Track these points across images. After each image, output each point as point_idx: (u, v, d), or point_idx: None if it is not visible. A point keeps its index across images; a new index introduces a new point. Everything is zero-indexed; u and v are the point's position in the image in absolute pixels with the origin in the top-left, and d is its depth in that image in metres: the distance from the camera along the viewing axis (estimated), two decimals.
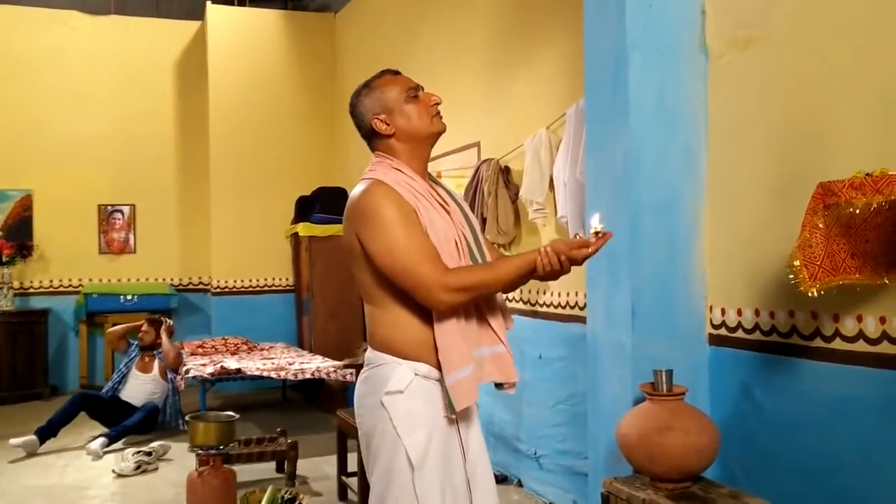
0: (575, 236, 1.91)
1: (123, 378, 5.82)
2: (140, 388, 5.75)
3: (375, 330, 1.98)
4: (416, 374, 1.90)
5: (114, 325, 6.53)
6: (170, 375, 5.79)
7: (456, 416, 1.94)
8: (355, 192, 1.98)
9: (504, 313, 2.12)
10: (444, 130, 2.06)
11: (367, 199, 1.91)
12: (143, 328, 5.96)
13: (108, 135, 7.86)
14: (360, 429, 2.01)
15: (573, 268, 1.88)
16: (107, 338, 6.13)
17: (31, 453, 5.06)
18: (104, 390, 5.87)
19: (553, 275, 1.88)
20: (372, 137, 2.05)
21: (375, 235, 1.88)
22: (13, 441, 5.06)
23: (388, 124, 2.00)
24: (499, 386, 2.09)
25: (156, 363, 5.85)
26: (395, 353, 1.93)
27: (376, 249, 1.88)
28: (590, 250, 1.84)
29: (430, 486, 1.86)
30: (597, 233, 1.85)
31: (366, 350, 2.05)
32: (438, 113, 2.04)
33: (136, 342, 5.97)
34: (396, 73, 2.07)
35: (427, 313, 1.89)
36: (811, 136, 2.43)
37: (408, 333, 1.92)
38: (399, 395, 1.89)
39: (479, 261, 2.02)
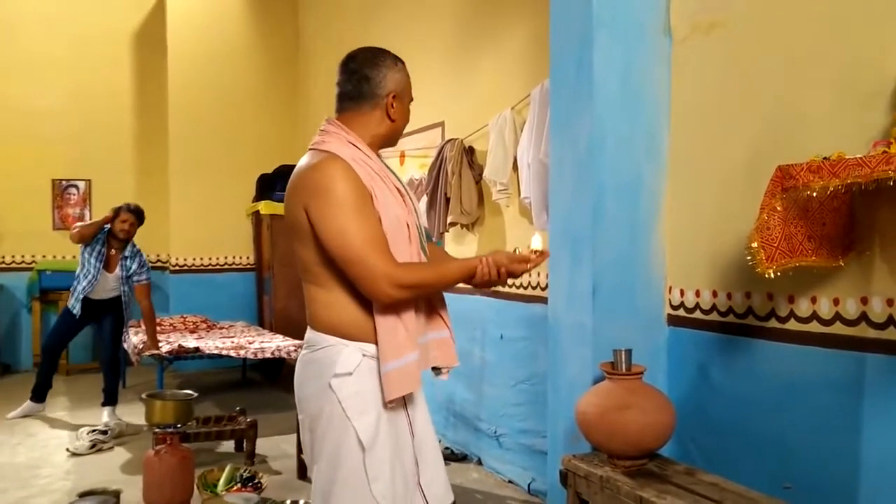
0: (514, 251, 1.96)
1: (96, 278, 5.26)
2: (109, 284, 5.34)
3: (318, 311, 1.91)
4: (363, 356, 1.86)
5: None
6: (123, 288, 5.38)
7: (404, 396, 1.90)
8: (307, 163, 1.89)
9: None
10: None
11: (323, 173, 1.83)
12: (122, 217, 5.23)
13: (63, 107, 7.65)
14: (303, 413, 1.96)
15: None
16: (74, 238, 5.22)
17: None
18: (77, 293, 5.28)
19: (488, 284, 1.93)
20: (364, 101, 1.96)
21: (328, 215, 1.80)
22: (11, 415, 5.40)
23: (394, 109, 1.98)
24: (436, 371, 2.07)
25: (119, 268, 5.32)
26: (340, 335, 1.88)
27: (327, 230, 1.81)
28: (528, 266, 1.92)
29: (381, 465, 1.84)
30: (536, 251, 1.94)
31: None
32: None
33: (102, 234, 5.28)
34: None
35: None
36: (771, 120, 2.47)
37: (354, 314, 1.87)
38: (348, 378, 1.84)
39: (425, 244, 2.02)
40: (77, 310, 5.31)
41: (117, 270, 5.34)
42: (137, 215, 5.33)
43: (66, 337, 5.53)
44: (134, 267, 5.38)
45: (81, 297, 5.28)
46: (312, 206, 1.82)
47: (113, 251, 5.33)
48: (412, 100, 2.06)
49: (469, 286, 1.99)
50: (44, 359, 5.52)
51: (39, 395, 5.54)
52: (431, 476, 2.00)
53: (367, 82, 1.96)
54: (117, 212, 5.28)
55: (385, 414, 1.88)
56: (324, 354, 1.89)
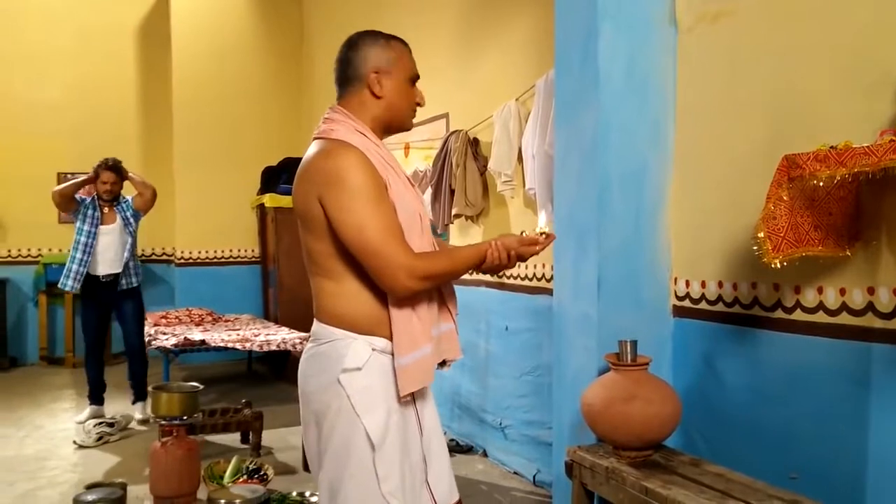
0: (522, 233, 1.92)
1: (92, 245, 5.08)
2: (111, 245, 5.14)
3: (327, 303, 1.87)
4: (373, 350, 1.81)
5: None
6: (129, 229, 5.23)
7: (413, 392, 1.86)
8: (318, 151, 1.84)
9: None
10: (409, 129, 2.03)
11: (336, 162, 1.77)
12: (103, 178, 5.14)
13: (67, 101, 7.67)
14: (308, 407, 1.90)
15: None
16: (54, 199, 5.13)
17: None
18: (73, 273, 5.05)
19: (498, 268, 1.91)
20: (352, 84, 1.92)
21: (344, 205, 1.75)
22: (78, 419, 5.15)
23: (380, 86, 1.90)
24: (440, 364, 2.01)
25: (117, 215, 5.22)
26: (349, 328, 1.82)
27: (344, 221, 1.76)
28: (536, 248, 1.89)
29: (391, 463, 1.80)
30: (542, 233, 1.91)
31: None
32: (415, 113, 2.00)
33: (89, 198, 5.21)
34: (410, 51, 1.99)
35: None
36: (777, 109, 2.45)
37: (364, 307, 1.83)
38: (357, 373, 1.79)
39: (434, 236, 1.98)
40: (76, 288, 5.08)
41: (117, 219, 5.20)
42: (117, 172, 5.20)
43: (97, 331, 5.28)
44: (129, 200, 5.30)
45: (83, 271, 5.07)
46: (327, 196, 1.77)
47: (106, 209, 5.22)
48: (415, 77, 1.97)
49: (474, 276, 1.97)
50: (87, 362, 5.31)
51: (96, 398, 5.30)
52: (438, 473, 1.96)
53: (349, 65, 1.92)
54: (97, 172, 5.17)
55: (395, 410, 1.83)
56: (331, 348, 1.83)
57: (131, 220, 5.26)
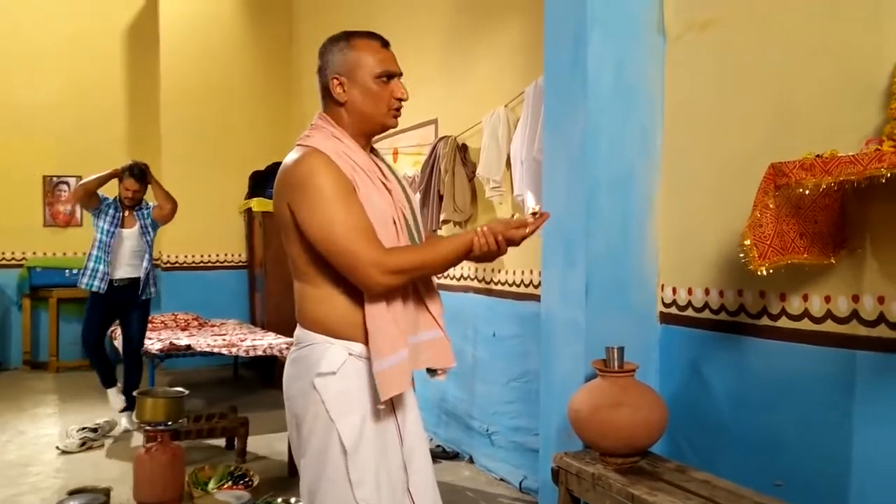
0: (512, 216, 1.86)
1: (111, 245, 5.00)
2: (129, 249, 5.09)
3: (305, 307, 1.88)
4: (349, 355, 1.81)
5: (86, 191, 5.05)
6: (147, 238, 5.15)
7: (392, 400, 1.83)
8: (289, 159, 1.84)
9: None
10: (394, 127, 1.96)
11: (303, 168, 1.78)
12: (126, 185, 5.06)
13: (54, 102, 7.61)
14: (290, 412, 1.91)
15: (530, 246, 1.87)
16: (77, 194, 5.03)
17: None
18: (96, 272, 4.99)
19: (489, 256, 1.84)
20: (325, 93, 1.93)
21: (311, 208, 1.76)
22: (114, 403, 5.14)
23: (343, 90, 1.88)
24: (431, 372, 1.99)
25: (137, 221, 5.15)
26: (326, 332, 1.83)
27: (311, 223, 1.76)
28: (527, 231, 1.80)
29: (365, 469, 1.79)
30: (534, 213, 1.82)
31: None
32: (399, 108, 1.92)
33: (111, 198, 5.13)
34: (385, 44, 1.92)
35: (361, 291, 1.80)
36: (764, 118, 2.47)
37: (341, 311, 1.82)
38: (332, 377, 1.79)
39: (417, 241, 1.94)
40: (102, 288, 5.00)
41: (136, 225, 5.14)
42: (141, 180, 5.12)
43: (99, 332, 5.20)
44: (150, 207, 5.23)
45: (108, 270, 4.99)
46: (295, 202, 1.78)
47: (126, 213, 5.16)
48: (386, 73, 1.88)
49: (461, 282, 1.94)
50: (90, 355, 5.23)
51: (108, 380, 5.20)
52: (420, 485, 1.93)
53: (320, 73, 1.92)
54: (122, 174, 5.08)
55: (370, 416, 1.82)
56: (309, 352, 1.84)
57: (149, 228, 5.22)
